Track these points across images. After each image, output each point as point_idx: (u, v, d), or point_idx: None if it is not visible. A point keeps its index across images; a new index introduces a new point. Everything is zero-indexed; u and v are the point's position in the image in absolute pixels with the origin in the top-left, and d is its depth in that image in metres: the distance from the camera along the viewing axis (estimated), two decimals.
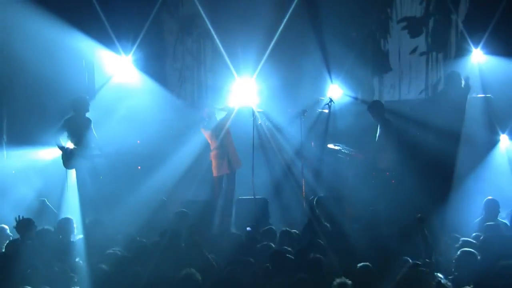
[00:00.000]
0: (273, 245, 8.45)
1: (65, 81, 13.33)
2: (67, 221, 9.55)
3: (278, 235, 9.34)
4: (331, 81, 13.79)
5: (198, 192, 12.57)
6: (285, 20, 13.41)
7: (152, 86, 13.89)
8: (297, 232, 9.26)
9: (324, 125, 13.21)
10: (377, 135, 11.99)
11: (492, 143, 12.69)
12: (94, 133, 11.66)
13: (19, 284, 7.11)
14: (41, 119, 12.72)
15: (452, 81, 11.93)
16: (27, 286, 6.93)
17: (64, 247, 8.85)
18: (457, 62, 13.32)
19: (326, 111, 13.11)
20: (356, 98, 13.79)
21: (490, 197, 10.43)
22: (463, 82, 11.83)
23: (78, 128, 11.56)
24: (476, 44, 13.33)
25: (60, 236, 9.26)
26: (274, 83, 13.56)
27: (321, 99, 13.57)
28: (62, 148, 11.49)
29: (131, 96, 13.80)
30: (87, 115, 11.67)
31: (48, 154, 12.52)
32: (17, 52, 13.17)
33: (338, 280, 6.54)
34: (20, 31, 13.08)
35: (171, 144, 13.30)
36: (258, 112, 12.97)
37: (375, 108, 12.04)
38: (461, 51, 13.45)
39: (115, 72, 13.99)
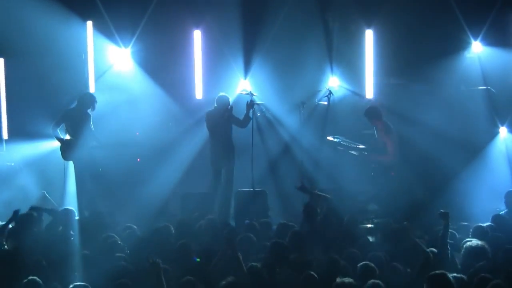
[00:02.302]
0: (254, 237, 8.49)
1: (64, 73, 13.35)
2: (67, 212, 9.52)
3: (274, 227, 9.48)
4: (332, 73, 13.78)
5: (197, 185, 12.57)
6: (285, 9, 13.39)
7: (150, 79, 13.87)
8: (294, 225, 9.25)
9: (323, 117, 13.21)
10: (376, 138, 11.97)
11: (492, 135, 12.71)
12: (92, 126, 11.69)
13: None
14: (41, 111, 12.70)
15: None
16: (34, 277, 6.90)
17: (64, 239, 8.85)
18: (457, 55, 13.32)
19: (325, 103, 13.11)
20: (353, 92, 13.78)
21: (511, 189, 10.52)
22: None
23: (76, 120, 11.60)
24: (475, 37, 13.36)
25: (60, 228, 9.25)
26: (274, 75, 13.53)
27: (319, 91, 13.57)
28: (60, 139, 11.53)
29: (129, 88, 13.78)
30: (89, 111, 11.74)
31: (47, 146, 12.51)
32: (17, 43, 13.19)
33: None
34: (20, 22, 13.06)
35: (170, 137, 13.29)
36: (258, 104, 12.96)
37: (372, 113, 12.01)
38: (461, 44, 13.42)
39: (114, 63, 13.97)
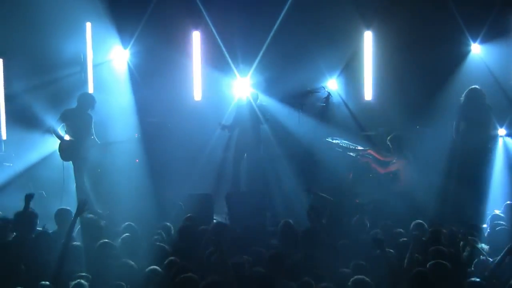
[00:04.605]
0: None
1: (63, 74, 13.37)
2: (65, 212, 9.47)
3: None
4: (331, 75, 13.79)
5: (197, 186, 12.56)
6: (284, 11, 13.38)
7: (148, 80, 13.90)
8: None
9: (322, 118, 13.22)
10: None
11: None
12: (93, 130, 11.69)
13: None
14: (39, 112, 12.69)
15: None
16: None
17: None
18: (460, 59, 13.33)
19: (324, 104, 13.13)
20: (343, 100, 13.82)
21: (509, 202, 10.38)
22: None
23: (77, 121, 11.61)
24: (474, 39, 13.35)
25: (57, 228, 9.21)
26: (273, 76, 13.54)
27: (318, 92, 13.57)
28: (61, 138, 11.53)
29: (127, 89, 13.80)
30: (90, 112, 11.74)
31: (46, 147, 12.51)
32: (16, 44, 13.23)
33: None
34: (19, 23, 13.10)
35: (169, 138, 13.29)
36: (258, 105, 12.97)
37: (397, 141, 11.78)
38: (460, 46, 13.42)
39: (113, 64, 14.01)
